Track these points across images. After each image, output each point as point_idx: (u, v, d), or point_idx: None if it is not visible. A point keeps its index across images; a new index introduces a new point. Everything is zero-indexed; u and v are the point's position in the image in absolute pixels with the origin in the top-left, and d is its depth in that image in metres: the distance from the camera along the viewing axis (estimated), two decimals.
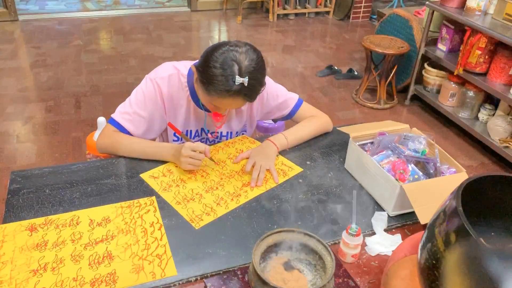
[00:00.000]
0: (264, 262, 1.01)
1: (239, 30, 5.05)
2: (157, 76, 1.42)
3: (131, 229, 1.15)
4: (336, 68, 4.05)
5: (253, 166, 1.38)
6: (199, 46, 4.66)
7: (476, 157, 2.98)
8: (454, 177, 1.25)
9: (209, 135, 1.58)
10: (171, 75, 1.42)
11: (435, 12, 3.18)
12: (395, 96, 3.56)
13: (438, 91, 3.32)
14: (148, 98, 1.41)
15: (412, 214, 1.20)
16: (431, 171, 1.29)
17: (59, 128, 3.02)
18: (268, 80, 1.44)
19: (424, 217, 1.14)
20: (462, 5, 3.03)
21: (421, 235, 0.79)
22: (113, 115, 1.43)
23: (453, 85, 3.12)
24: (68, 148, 2.82)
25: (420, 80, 3.47)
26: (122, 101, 1.45)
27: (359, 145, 1.38)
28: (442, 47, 3.23)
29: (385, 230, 1.19)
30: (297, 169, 1.43)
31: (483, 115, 3.00)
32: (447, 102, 3.20)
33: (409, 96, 3.53)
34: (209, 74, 1.22)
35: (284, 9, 5.38)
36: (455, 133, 3.22)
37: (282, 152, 1.51)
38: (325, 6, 5.53)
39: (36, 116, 3.16)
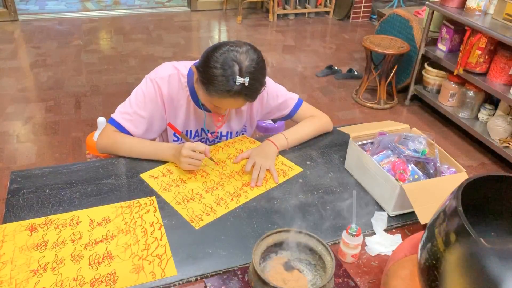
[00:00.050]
0: (264, 262, 1.01)
1: (239, 30, 5.05)
2: (157, 76, 1.42)
3: (131, 229, 1.15)
4: (336, 68, 4.05)
5: (253, 166, 1.38)
6: (199, 46, 4.66)
7: (476, 157, 2.98)
8: (454, 177, 1.25)
9: (209, 135, 1.58)
10: (171, 75, 1.42)
11: (435, 12, 3.18)
12: (395, 96, 3.56)
13: (438, 91, 3.32)
14: (148, 98, 1.41)
15: (412, 214, 1.20)
16: (431, 171, 1.29)
17: (59, 128, 3.02)
18: (268, 80, 1.44)
19: (424, 217, 1.14)
20: (462, 5, 3.03)
21: (421, 235, 0.79)
22: (113, 115, 1.43)
23: (453, 85, 3.12)
24: (68, 148, 2.82)
25: (420, 80, 3.47)
26: (122, 101, 1.45)
27: (359, 145, 1.38)
28: (442, 47, 3.23)
29: (385, 230, 1.19)
30: (297, 169, 1.43)
31: (483, 115, 3.00)
32: (447, 102, 3.20)
33: (409, 96, 3.53)
34: (210, 74, 1.22)
35: (284, 9, 5.38)
36: (455, 133, 3.22)
37: (282, 152, 1.51)
38: (325, 6, 5.53)
39: (36, 116, 3.16)
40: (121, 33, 4.72)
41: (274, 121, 1.77)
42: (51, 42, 4.40)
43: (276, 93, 1.55)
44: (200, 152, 1.33)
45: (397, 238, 1.16)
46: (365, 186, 1.35)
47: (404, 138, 1.36)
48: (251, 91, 1.26)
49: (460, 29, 3.07)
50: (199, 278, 1.03)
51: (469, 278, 0.64)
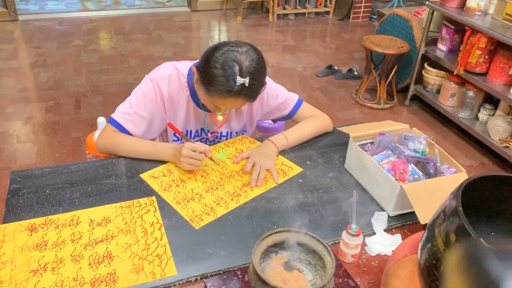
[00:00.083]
0: (264, 262, 1.01)
1: (239, 30, 5.05)
2: (157, 76, 1.42)
3: (131, 229, 1.15)
4: (336, 68, 4.05)
5: (253, 166, 1.38)
6: (199, 46, 4.66)
7: (476, 157, 2.98)
8: (454, 177, 1.25)
9: (209, 135, 1.58)
10: (171, 75, 1.42)
11: (435, 12, 3.18)
12: (395, 96, 3.56)
13: (438, 91, 3.32)
14: (148, 98, 1.41)
15: (412, 214, 1.20)
16: (431, 171, 1.29)
17: (59, 128, 3.02)
18: (268, 80, 1.44)
19: (424, 217, 1.14)
20: (462, 5, 3.03)
21: (421, 235, 0.79)
22: (113, 115, 1.43)
23: (453, 85, 3.12)
24: (68, 148, 2.82)
25: (420, 80, 3.47)
26: (122, 101, 1.45)
27: (359, 145, 1.38)
28: (442, 47, 3.23)
29: (385, 230, 1.19)
30: (297, 169, 1.43)
31: (483, 115, 3.00)
32: (447, 102, 3.20)
33: (409, 96, 3.53)
34: (210, 74, 1.22)
35: (284, 9, 5.38)
36: (455, 133, 3.22)
37: (282, 152, 1.51)
38: (325, 6, 5.53)
39: (36, 116, 3.16)
40: (121, 33, 4.72)
41: (274, 121, 1.77)
42: (51, 42, 4.40)
43: (276, 93, 1.55)
44: (200, 152, 1.33)
45: (397, 238, 1.16)
46: (365, 186, 1.35)
47: (404, 138, 1.36)
48: (252, 91, 1.26)
49: (460, 29, 3.07)
50: (199, 278, 1.03)
51: (469, 278, 0.64)
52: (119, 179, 1.34)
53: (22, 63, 3.99)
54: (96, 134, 2.01)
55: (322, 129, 1.62)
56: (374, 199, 1.31)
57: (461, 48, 2.94)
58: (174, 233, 1.15)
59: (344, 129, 1.49)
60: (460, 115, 3.08)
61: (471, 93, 3.00)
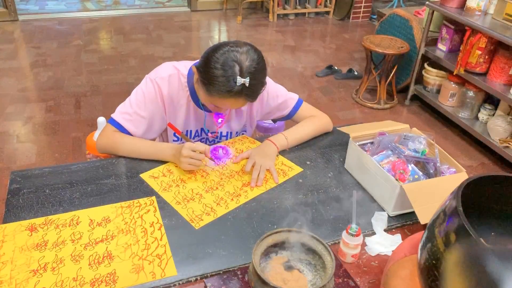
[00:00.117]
0: (264, 262, 1.01)
1: (239, 30, 5.05)
2: (157, 76, 1.42)
3: (131, 229, 1.15)
4: (336, 68, 4.05)
5: (253, 166, 1.38)
6: (199, 46, 4.66)
7: (476, 157, 2.98)
8: (454, 177, 1.25)
9: (209, 135, 1.58)
10: (171, 75, 1.42)
11: (435, 12, 3.18)
12: (395, 96, 3.56)
13: (438, 91, 3.32)
14: (148, 98, 1.41)
15: (412, 214, 1.20)
16: (431, 171, 1.29)
17: (59, 128, 3.02)
18: (268, 80, 1.44)
19: (424, 217, 1.14)
20: (462, 5, 3.03)
21: (421, 235, 0.79)
22: (113, 115, 1.43)
23: (453, 85, 3.12)
24: (68, 148, 2.82)
25: (420, 80, 3.47)
26: (122, 101, 1.45)
27: (359, 145, 1.38)
28: (442, 47, 3.23)
29: (385, 230, 1.19)
30: (297, 169, 1.43)
31: (483, 115, 3.00)
32: (447, 102, 3.20)
33: (409, 96, 3.53)
34: (210, 75, 1.22)
35: (284, 9, 5.38)
36: (455, 133, 3.23)
37: (282, 152, 1.51)
38: (325, 6, 5.53)
39: (36, 116, 3.16)
40: (121, 33, 4.72)
41: (274, 121, 1.77)
42: (51, 42, 4.40)
43: (276, 93, 1.55)
44: (200, 152, 1.33)
45: (397, 238, 1.16)
46: (365, 186, 1.35)
47: (404, 138, 1.36)
48: (252, 91, 1.26)
49: (460, 29, 3.07)
50: (199, 278, 1.03)
51: (469, 278, 0.64)
52: (119, 179, 1.34)
53: (22, 63, 3.99)
54: (96, 134, 2.01)
55: (322, 129, 1.62)
56: (374, 199, 1.31)
57: (461, 48, 2.94)
58: (174, 233, 1.15)
59: (344, 129, 1.49)
60: (460, 115, 3.08)
61: (471, 93, 3.00)
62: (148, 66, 3.88)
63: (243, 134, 1.66)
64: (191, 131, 1.54)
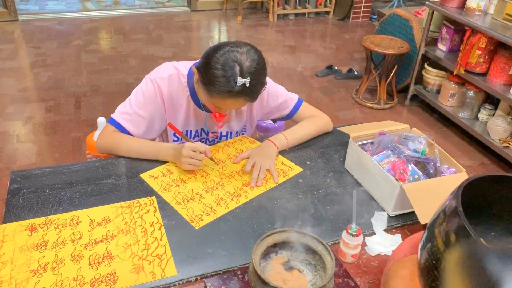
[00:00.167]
0: (264, 262, 1.01)
1: (239, 30, 5.05)
2: (157, 76, 1.41)
3: (131, 229, 1.15)
4: (336, 68, 4.05)
5: (253, 166, 1.38)
6: (199, 46, 4.66)
7: (476, 157, 2.98)
8: (454, 177, 1.25)
9: (210, 135, 1.58)
10: (171, 75, 1.42)
11: (435, 12, 3.18)
12: (395, 96, 3.56)
13: (438, 91, 3.32)
14: (148, 98, 1.41)
15: (412, 214, 1.20)
16: (431, 171, 1.29)
17: (59, 128, 3.02)
18: (268, 80, 1.44)
19: (424, 217, 1.14)
20: (462, 5, 3.03)
21: (421, 235, 0.79)
22: (113, 115, 1.43)
23: (453, 85, 3.12)
24: (68, 148, 2.82)
25: (420, 80, 3.47)
26: (122, 101, 1.45)
27: (359, 145, 1.38)
28: (442, 47, 3.23)
29: (385, 230, 1.19)
30: (297, 169, 1.43)
31: (483, 115, 3.00)
32: (447, 102, 3.20)
33: (409, 96, 3.53)
34: (210, 75, 1.22)
35: (284, 9, 5.38)
36: (455, 133, 3.22)
37: (282, 152, 1.51)
38: (325, 6, 5.53)
39: (36, 116, 3.16)
40: (121, 33, 4.72)
41: (274, 121, 1.77)
42: (51, 42, 4.40)
43: (276, 93, 1.55)
44: (200, 152, 1.33)
45: (397, 238, 1.16)
46: (365, 186, 1.35)
47: (404, 138, 1.36)
48: (252, 92, 1.26)
49: (460, 29, 3.07)
50: (199, 278, 1.03)
51: (469, 278, 0.64)
52: (119, 179, 1.34)
53: (22, 63, 3.99)
54: (96, 134, 2.01)
55: (322, 129, 1.62)
56: (374, 199, 1.31)
57: (461, 48, 2.94)
58: (174, 233, 1.15)
59: (344, 129, 1.49)
60: (460, 115, 3.08)
61: (471, 93, 3.00)
62: (148, 66, 3.88)
63: (243, 134, 1.66)
64: (191, 131, 1.54)
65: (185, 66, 1.44)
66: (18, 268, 1.02)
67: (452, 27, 3.10)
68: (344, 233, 1.08)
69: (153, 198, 1.27)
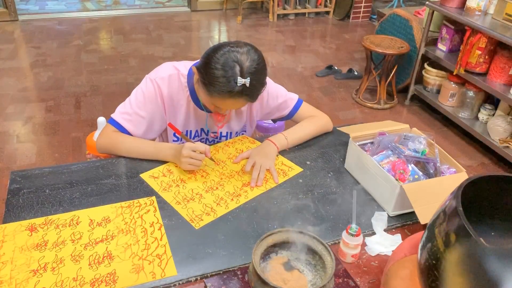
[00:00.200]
0: (264, 262, 1.01)
1: (239, 30, 5.05)
2: (157, 76, 1.42)
3: (131, 229, 1.15)
4: (336, 68, 4.05)
5: (253, 166, 1.38)
6: (199, 46, 4.66)
7: (476, 157, 2.98)
8: (454, 177, 1.25)
9: (211, 135, 1.58)
10: (171, 75, 1.42)
11: (435, 12, 3.18)
12: (395, 96, 3.56)
13: (438, 91, 3.32)
14: (148, 98, 1.41)
15: (412, 214, 1.20)
16: (431, 171, 1.29)
17: (59, 128, 3.02)
18: (268, 80, 1.43)
19: (424, 217, 1.14)
20: (462, 5, 3.03)
21: (421, 235, 0.79)
22: (113, 115, 1.43)
23: (453, 85, 3.12)
24: (68, 148, 2.82)
25: (420, 80, 3.47)
26: (122, 101, 1.45)
27: (359, 145, 1.38)
28: (442, 47, 3.23)
29: (385, 230, 1.19)
30: (297, 169, 1.43)
31: (483, 115, 3.00)
32: (447, 102, 3.20)
33: (409, 96, 3.53)
34: (211, 75, 1.22)
35: (284, 9, 5.38)
36: (455, 133, 3.22)
37: (282, 152, 1.51)
38: (325, 6, 5.53)
39: (36, 116, 3.16)
40: (121, 33, 4.72)
41: (274, 121, 1.77)
42: (51, 42, 4.40)
43: (276, 94, 1.55)
44: (200, 152, 1.33)
45: (397, 238, 1.16)
46: (365, 186, 1.35)
47: (404, 138, 1.36)
48: (252, 92, 1.26)
49: (460, 29, 3.07)
50: (199, 278, 1.03)
51: (469, 278, 0.64)
52: (119, 179, 1.34)
53: (22, 63, 3.99)
54: (96, 134, 2.01)
55: (322, 129, 1.62)
56: (374, 199, 1.31)
57: (461, 48, 2.94)
58: (174, 233, 1.15)
59: (344, 129, 1.49)
60: (460, 115, 3.08)
61: (471, 93, 3.00)
62: (148, 66, 3.88)
63: (243, 134, 1.66)
64: (191, 131, 1.54)
65: (185, 66, 1.44)
66: (18, 268, 1.02)
67: (452, 27, 3.10)
68: (344, 233, 1.08)
69: (153, 198, 1.27)
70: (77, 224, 1.15)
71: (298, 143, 1.56)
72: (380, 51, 3.22)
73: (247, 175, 1.38)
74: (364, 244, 1.14)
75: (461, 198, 0.69)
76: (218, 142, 1.59)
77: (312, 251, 1.01)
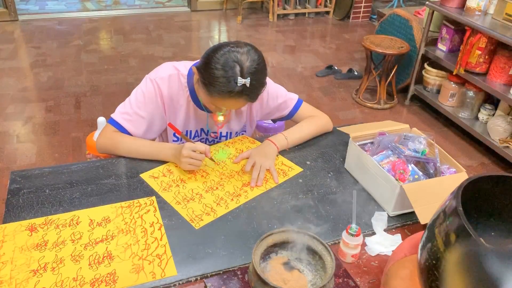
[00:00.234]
0: (264, 262, 1.01)
1: (239, 30, 5.05)
2: (157, 76, 1.42)
3: (131, 229, 1.15)
4: (336, 68, 4.05)
5: (253, 166, 1.38)
6: (199, 46, 4.66)
7: (476, 157, 2.98)
8: (454, 177, 1.25)
9: (211, 135, 1.58)
10: (171, 75, 1.42)
11: (435, 12, 3.18)
12: (395, 96, 3.56)
13: (438, 91, 3.32)
14: (148, 98, 1.41)
15: (412, 214, 1.20)
16: (431, 171, 1.29)
17: (59, 128, 3.02)
18: (268, 80, 1.43)
19: (424, 217, 1.14)
20: (462, 5, 3.03)
21: (421, 235, 0.79)
22: (113, 115, 1.43)
23: (453, 85, 3.12)
24: (68, 148, 2.82)
25: (420, 80, 3.47)
26: (122, 101, 1.45)
27: (359, 145, 1.38)
28: (442, 47, 3.23)
29: (385, 230, 1.19)
30: (297, 169, 1.43)
31: (483, 115, 3.00)
32: (447, 102, 3.20)
33: (409, 96, 3.53)
34: (211, 75, 1.22)
35: (284, 9, 5.38)
36: (455, 133, 3.22)
37: (282, 152, 1.51)
38: (325, 6, 5.53)
39: (36, 116, 3.16)
40: (121, 33, 4.72)
41: (274, 121, 1.77)
42: (51, 42, 4.40)
43: (276, 94, 1.55)
44: (200, 152, 1.33)
45: (397, 238, 1.16)
46: (365, 186, 1.35)
47: (404, 138, 1.36)
48: (252, 92, 1.26)
49: (460, 29, 3.07)
50: (199, 278, 1.03)
51: (469, 278, 0.64)
52: (119, 179, 1.34)
53: (22, 63, 3.99)
54: (96, 134, 2.01)
55: (322, 129, 1.62)
56: (374, 199, 1.31)
57: (461, 48, 2.94)
58: (174, 233, 1.15)
59: (344, 129, 1.49)
60: (460, 115, 3.08)
61: (471, 93, 3.00)
62: (148, 66, 3.88)
63: (243, 134, 1.66)
64: (191, 131, 1.54)
65: (185, 66, 1.44)
66: (18, 268, 1.02)
67: (452, 27, 3.10)
68: (344, 233, 1.08)
69: (153, 198, 1.27)
70: (77, 224, 1.16)
71: (298, 143, 1.56)
72: (380, 51, 3.22)
73: (247, 175, 1.38)
74: (364, 244, 1.14)
75: (461, 198, 0.69)
76: (218, 142, 1.59)
77: (312, 251, 1.01)
